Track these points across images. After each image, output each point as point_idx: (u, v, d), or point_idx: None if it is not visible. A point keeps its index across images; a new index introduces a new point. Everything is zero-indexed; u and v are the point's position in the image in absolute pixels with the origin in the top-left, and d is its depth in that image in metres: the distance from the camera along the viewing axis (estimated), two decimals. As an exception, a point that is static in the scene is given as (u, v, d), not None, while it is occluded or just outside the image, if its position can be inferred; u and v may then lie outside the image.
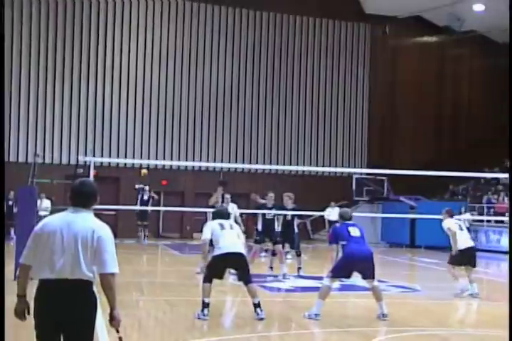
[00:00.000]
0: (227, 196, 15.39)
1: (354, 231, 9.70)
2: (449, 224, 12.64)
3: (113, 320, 4.52)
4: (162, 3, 29.60)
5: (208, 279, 9.37)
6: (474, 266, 12.56)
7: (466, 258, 12.39)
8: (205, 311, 9.11)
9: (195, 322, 9.01)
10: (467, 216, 24.76)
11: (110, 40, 28.95)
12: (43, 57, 28.09)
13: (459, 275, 12.47)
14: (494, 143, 32.03)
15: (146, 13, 29.42)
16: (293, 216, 14.76)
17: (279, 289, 12.71)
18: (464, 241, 12.56)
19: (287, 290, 12.65)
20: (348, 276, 9.71)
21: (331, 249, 9.80)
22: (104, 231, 4.51)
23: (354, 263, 9.44)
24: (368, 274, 9.55)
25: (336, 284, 11.38)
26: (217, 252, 9.42)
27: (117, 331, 4.59)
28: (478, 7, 28.30)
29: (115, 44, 29.05)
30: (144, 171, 23.14)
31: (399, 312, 10.35)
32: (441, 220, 12.94)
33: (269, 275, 14.26)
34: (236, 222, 14.25)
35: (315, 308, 9.36)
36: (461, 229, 12.49)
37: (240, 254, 9.36)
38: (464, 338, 8.37)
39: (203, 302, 9.18)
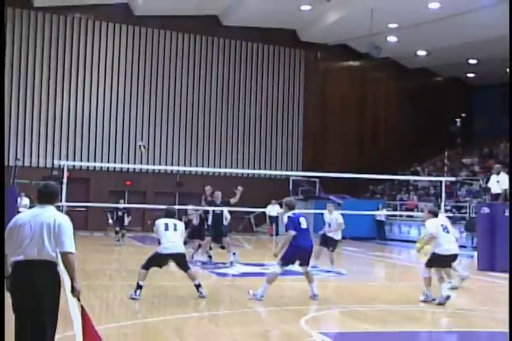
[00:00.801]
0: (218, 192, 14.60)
1: (303, 223, 9.40)
2: (339, 216, 13.23)
3: (74, 291, 4.70)
4: (127, 28, 29.41)
5: (146, 267, 9.41)
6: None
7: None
8: (138, 292, 9.11)
9: (156, 303, 9.00)
10: (384, 212, 25.24)
11: (83, 55, 28.62)
12: (24, 67, 27.56)
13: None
14: (405, 153, 32.74)
15: (120, 35, 29.30)
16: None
17: (226, 274, 12.75)
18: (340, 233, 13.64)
19: (234, 275, 12.70)
20: (293, 263, 9.61)
21: (287, 235, 9.30)
22: (64, 219, 4.75)
23: (300, 254, 9.35)
24: (306, 262, 9.54)
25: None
26: (160, 249, 9.44)
27: (78, 299, 4.74)
28: (392, 38, 28.87)
29: (87, 60, 28.73)
30: (141, 147, 19.13)
31: (327, 293, 10.52)
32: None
33: (219, 263, 14.29)
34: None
35: (261, 290, 9.24)
36: None
37: (179, 254, 9.37)
38: (378, 313, 8.57)
39: (138, 284, 9.16)
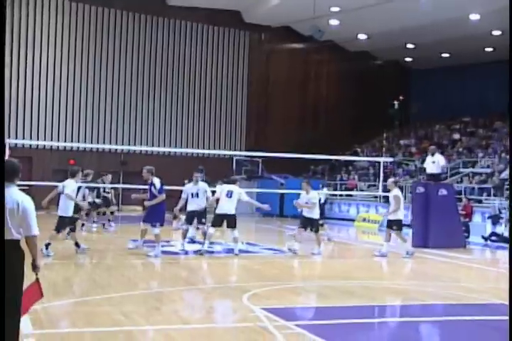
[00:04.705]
0: (197, 174, 13.42)
1: None
2: (315, 196, 12.85)
3: (35, 268, 4.89)
4: (70, 5, 28.49)
5: None
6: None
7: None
8: None
9: (99, 281, 8.87)
10: (324, 191, 25.39)
11: (24, 31, 27.59)
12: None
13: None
14: (346, 134, 33.13)
15: (63, 12, 28.23)
16: None
17: (170, 252, 12.64)
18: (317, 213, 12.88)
19: (177, 253, 12.60)
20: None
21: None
22: (27, 202, 4.71)
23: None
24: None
25: (220, 248, 11.54)
26: None
27: (36, 274, 4.95)
28: (334, 22, 28.93)
29: (29, 36, 27.77)
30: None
31: (270, 270, 10.61)
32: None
33: (162, 241, 14.16)
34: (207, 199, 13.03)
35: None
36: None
37: None
38: (319, 288, 8.67)
39: None
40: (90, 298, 7.54)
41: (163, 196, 11.72)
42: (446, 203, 15.32)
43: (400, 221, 12.83)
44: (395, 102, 33.69)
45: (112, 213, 18.08)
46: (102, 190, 17.13)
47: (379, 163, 20.53)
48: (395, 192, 12.84)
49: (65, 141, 27.90)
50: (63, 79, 28.58)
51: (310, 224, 12.66)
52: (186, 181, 14.34)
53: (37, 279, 4.95)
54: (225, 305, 7.55)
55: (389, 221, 12.96)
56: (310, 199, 12.60)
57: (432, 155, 15.72)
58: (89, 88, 29.07)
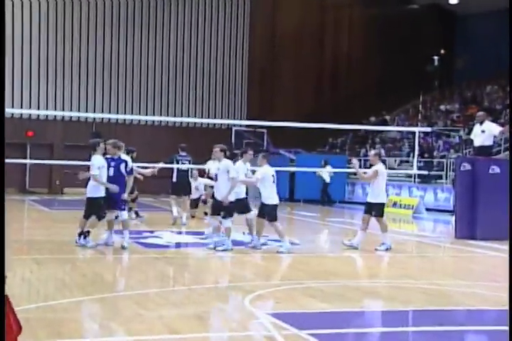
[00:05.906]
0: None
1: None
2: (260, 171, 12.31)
3: None
4: None
5: None
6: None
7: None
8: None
9: (65, 281, 8.91)
10: (328, 169, 25.08)
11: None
12: None
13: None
14: (373, 96, 33.01)
15: None
16: None
17: (155, 245, 12.71)
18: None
19: (164, 246, 12.66)
20: None
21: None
22: None
23: None
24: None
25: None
26: None
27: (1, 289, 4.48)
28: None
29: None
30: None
31: (277, 267, 10.65)
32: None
33: (145, 231, 14.26)
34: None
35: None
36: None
37: None
38: (337, 289, 8.72)
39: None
40: (55, 302, 7.58)
41: (132, 176, 12.40)
42: (498, 183, 15.24)
43: (383, 205, 12.86)
44: (435, 57, 33.45)
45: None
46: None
47: (413, 133, 20.44)
48: (378, 167, 12.94)
49: (22, 108, 27.90)
50: (17, 31, 28.44)
51: (263, 211, 12.03)
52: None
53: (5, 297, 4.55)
54: (222, 310, 7.59)
55: (368, 204, 12.94)
56: (257, 174, 12.02)
57: (481, 123, 15.63)
58: (50, 42, 28.99)
